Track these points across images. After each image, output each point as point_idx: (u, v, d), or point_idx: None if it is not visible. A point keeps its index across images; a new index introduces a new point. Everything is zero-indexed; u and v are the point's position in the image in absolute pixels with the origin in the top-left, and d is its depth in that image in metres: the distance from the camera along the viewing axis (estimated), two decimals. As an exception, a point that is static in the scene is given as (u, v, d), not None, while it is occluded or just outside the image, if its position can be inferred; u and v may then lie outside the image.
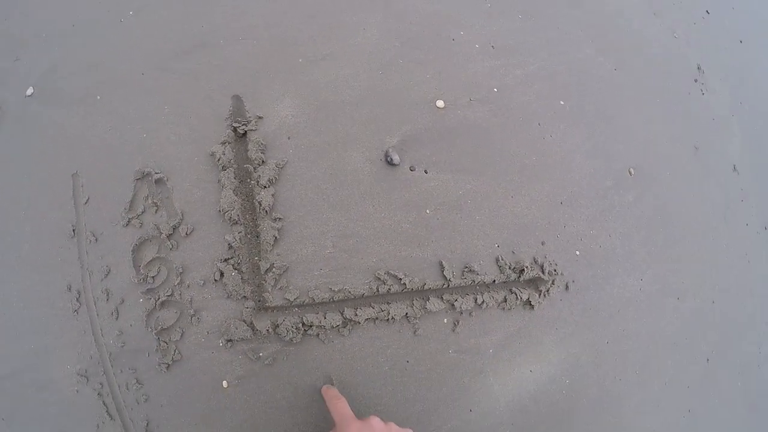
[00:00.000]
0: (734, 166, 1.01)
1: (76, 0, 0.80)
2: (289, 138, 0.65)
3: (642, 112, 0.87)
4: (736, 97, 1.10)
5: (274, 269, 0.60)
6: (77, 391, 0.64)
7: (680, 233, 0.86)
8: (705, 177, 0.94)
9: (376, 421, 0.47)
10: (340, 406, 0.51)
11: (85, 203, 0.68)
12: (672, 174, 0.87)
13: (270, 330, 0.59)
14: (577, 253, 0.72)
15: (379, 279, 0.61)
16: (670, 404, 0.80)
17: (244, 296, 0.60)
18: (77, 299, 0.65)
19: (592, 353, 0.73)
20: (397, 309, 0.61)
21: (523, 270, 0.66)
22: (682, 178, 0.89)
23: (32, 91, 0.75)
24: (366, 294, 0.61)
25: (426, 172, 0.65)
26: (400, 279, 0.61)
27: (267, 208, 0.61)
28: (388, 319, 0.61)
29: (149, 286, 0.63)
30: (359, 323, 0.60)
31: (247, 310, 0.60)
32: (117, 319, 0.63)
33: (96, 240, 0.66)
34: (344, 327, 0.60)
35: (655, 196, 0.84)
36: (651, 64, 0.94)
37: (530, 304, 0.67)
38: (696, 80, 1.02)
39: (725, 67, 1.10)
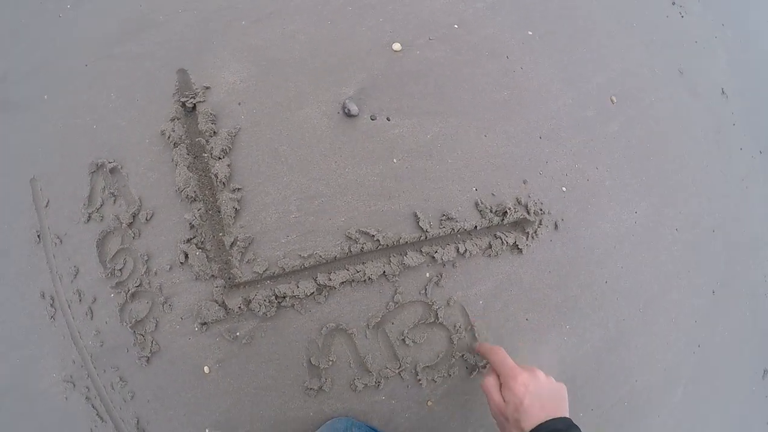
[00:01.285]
0: (722, 89, 0.95)
1: (12, 3, 0.77)
2: (239, 104, 0.61)
3: (618, 38, 0.82)
4: (717, 18, 1.03)
5: (239, 243, 0.57)
6: (66, 399, 0.62)
7: (672, 161, 0.81)
8: (693, 102, 0.88)
9: (541, 373, 0.50)
10: (501, 356, 0.52)
11: (46, 206, 0.65)
12: (657, 100, 0.82)
13: (243, 307, 0.56)
14: (564, 189, 0.68)
15: (351, 238, 0.58)
16: (679, 341, 0.76)
17: (213, 275, 0.57)
18: (51, 305, 0.63)
19: (591, 295, 0.69)
20: (374, 268, 0.57)
21: (506, 212, 0.62)
22: (668, 104, 0.84)
23: (-21, 101, 0.73)
24: (338, 256, 0.57)
25: (389, 120, 0.61)
26: (373, 236, 0.57)
27: (224, 180, 0.58)
28: (365, 280, 0.57)
29: (118, 280, 0.60)
30: (335, 288, 0.57)
31: (217, 289, 0.56)
32: (92, 318, 0.61)
33: (61, 242, 0.64)
34: (319, 294, 0.57)
35: (642, 124, 0.79)
36: (623, -11, 0.88)
37: (518, 248, 0.63)
38: (674, 3, 0.96)
39: (703, -13, 1.04)
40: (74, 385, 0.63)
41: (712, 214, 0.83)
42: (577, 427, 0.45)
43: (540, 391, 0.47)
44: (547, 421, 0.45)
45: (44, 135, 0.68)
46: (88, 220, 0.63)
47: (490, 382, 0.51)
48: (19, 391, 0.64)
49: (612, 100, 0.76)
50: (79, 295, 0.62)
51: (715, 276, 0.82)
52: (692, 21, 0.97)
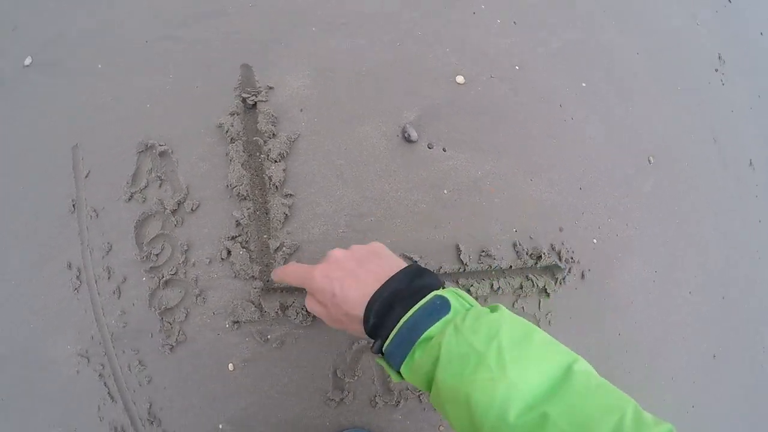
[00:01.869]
0: (751, 160, 0.99)
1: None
2: (301, 110, 0.62)
3: (663, 99, 0.84)
4: (754, 90, 1.07)
5: (284, 248, 0.58)
6: (78, 372, 0.62)
7: (696, 226, 0.84)
8: (722, 170, 0.92)
9: (336, 252, 0.41)
10: (293, 268, 0.44)
11: (86, 177, 0.65)
12: (690, 165, 0.85)
13: (279, 312, 0.57)
14: (595, 241, 0.70)
15: (394, 261, 0.59)
16: (675, 399, 0.80)
17: (252, 276, 0.58)
18: (77, 277, 0.63)
19: (604, 344, 0.72)
20: (412, 292, 0.58)
21: (540, 256, 0.64)
22: (700, 169, 0.87)
23: (30, 60, 0.72)
24: (379, 276, 0.59)
25: (444, 151, 0.62)
26: (416, 262, 0.59)
27: (277, 184, 0.59)
28: (401, 303, 0.59)
29: (152, 264, 0.60)
30: (372, 306, 0.58)
31: (255, 290, 0.57)
32: (119, 298, 0.61)
33: (97, 215, 0.63)
34: (356, 310, 0.58)
35: (673, 187, 0.82)
36: (673, 51, 0.91)
37: (546, 292, 0.66)
38: (716, 70, 0.99)
39: (745, 58, 1.08)
40: (89, 361, 0.62)
41: (724, 280, 0.87)
42: (427, 270, 0.36)
43: (344, 270, 0.37)
44: (378, 289, 0.34)
45: (93, 104, 0.67)
46: (129, 199, 0.63)
47: (308, 300, 0.42)
48: (28, 356, 0.64)
49: (650, 160, 0.79)
50: (109, 273, 0.62)
51: (719, 341, 0.86)
52: (731, 89, 1.00)
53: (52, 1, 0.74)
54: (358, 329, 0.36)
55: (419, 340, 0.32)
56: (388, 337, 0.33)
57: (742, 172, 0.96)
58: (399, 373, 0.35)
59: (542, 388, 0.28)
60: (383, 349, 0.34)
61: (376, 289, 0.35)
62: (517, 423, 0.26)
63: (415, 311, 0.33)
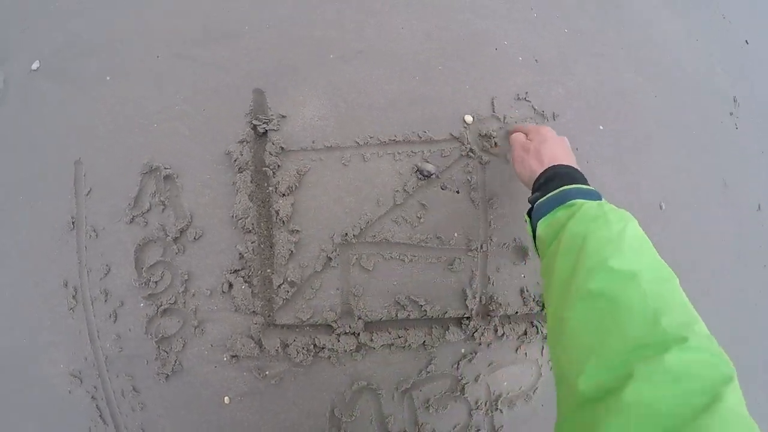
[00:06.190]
0: (759, 205, 0.98)
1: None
2: (313, 142, 0.60)
3: (677, 143, 0.83)
4: (766, 133, 1.06)
5: (287, 285, 0.56)
6: (70, 392, 0.61)
7: (700, 272, 0.84)
8: (730, 215, 0.91)
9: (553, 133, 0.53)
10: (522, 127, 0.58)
11: (87, 194, 0.63)
12: (700, 209, 0.84)
13: (279, 350, 0.56)
14: (602, 287, 0.69)
15: (399, 304, 0.58)
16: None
17: (254, 311, 0.57)
18: (74, 297, 0.61)
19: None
20: (415, 336, 0.57)
21: (547, 303, 0.63)
22: (708, 214, 0.86)
23: (38, 65, 0.70)
24: (384, 319, 0.58)
25: (458, 193, 0.61)
26: (421, 305, 0.58)
27: (284, 219, 0.57)
28: (404, 346, 0.58)
29: (151, 291, 0.59)
30: (374, 348, 0.57)
31: (256, 326, 0.56)
32: (115, 322, 0.60)
33: (96, 235, 0.62)
34: (357, 351, 0.57)
35: (681, 232, 0.81)
36: (690, 93, 0.90)
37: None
38: (731, 113, 0.98)
39: (759, 101, 1.07)
40: (81, 382, 0.61)
41: (725, 329, 0.86)
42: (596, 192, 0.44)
43: (562, 142, 0.52)
44: (566, 165, 0.47)
45: (99, 118, 0.66)
46: (131, 222, 0.61)
47: (518, 136, 0.55)
48: (18, 370, 0.63)
49: (661, 206, 0.78)
50: (106, 295, 0.61)
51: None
52: (744, 133, 0.99)
53: (64, 4, 0.71)
54: (527, 173, 0.50)
55: (567, 203, 0.41)
56: (547, 194, 0.44)
57: (749, 217, 0.95)
58: (534, 229, 0.44)
59: (642, 263, 0.34)
60: (536, 203, 0.45)
61: (564, 163, 0.47)
62: (613, 268, 0.33)
63: (575, 187, 0.43)
